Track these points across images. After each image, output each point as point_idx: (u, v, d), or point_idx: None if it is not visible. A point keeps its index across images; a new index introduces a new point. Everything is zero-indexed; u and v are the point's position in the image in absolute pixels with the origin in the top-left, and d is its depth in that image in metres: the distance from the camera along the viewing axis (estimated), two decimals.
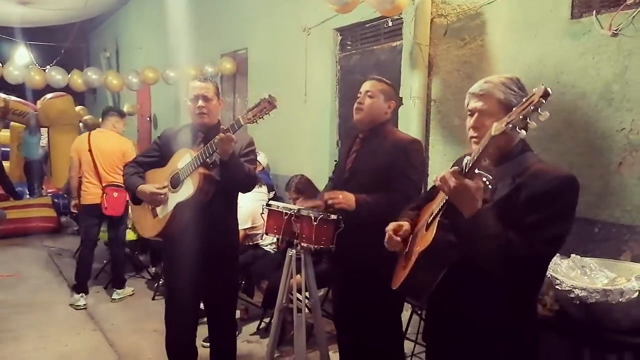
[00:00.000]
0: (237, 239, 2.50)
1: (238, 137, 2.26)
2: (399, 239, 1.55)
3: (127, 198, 3.94)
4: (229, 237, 2.39)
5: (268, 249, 3.68)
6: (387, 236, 1.59)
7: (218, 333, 2.44)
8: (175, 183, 2.21)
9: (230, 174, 2.13)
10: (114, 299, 4.03)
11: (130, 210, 3.75)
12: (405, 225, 1.58)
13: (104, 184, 3.94)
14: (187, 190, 2.15)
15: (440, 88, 3.09)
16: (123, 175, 2.41)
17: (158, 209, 2.28)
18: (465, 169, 1.22)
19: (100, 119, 4.20)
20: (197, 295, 2.39)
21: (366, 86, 2.23)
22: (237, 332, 2.57)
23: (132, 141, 4.41)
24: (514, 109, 1.14)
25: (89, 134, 4.10)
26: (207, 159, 2.12)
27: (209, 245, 2.20)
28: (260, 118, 2.01)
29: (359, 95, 2.24)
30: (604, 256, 2.08)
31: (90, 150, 3.95)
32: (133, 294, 4.16)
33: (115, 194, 3.95)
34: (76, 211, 4.36)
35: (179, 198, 2.17)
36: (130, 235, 4.40)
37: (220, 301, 2.41)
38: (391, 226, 1.59)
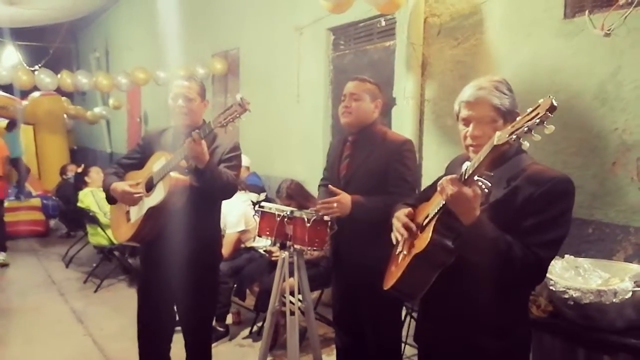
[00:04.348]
0: (216, 247, 2.37)
1: (222, 140, 2.20)
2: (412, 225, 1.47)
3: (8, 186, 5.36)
4: (206, 244, 2.24)
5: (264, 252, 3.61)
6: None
7: (189, 347, 2.34)
8: (149, 187, 2.13)
9: (206, 181, 2.01)
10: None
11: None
12: (409, 210, 1.51)
13: None
14: (159, 194, 2.06)
15: (434, 88, 3.07)
16: (103, 175, 2.35)
17: (131, 214, 2.19)
18: (465, 175, 1.20)
19: None
20: (169, 301, 2.32)
21: (350, 88, 2.14)
22: (212, 344, 2.48)
23: None
24: (517, 118, 1.12)
25: None
26: (180, 163, 2.03)
27: (183, 252, 2.09)
28: (231, 122, 1.89)
29: (343, 98, 2.16)
30: (598, 256, 2.09)
31: None
32: (8, 265, 4.96)
33: None
34: None
35: (151, 202, 2.08)
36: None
37: (191, 315, 2.28)
38: (402, 218, 1.48)
